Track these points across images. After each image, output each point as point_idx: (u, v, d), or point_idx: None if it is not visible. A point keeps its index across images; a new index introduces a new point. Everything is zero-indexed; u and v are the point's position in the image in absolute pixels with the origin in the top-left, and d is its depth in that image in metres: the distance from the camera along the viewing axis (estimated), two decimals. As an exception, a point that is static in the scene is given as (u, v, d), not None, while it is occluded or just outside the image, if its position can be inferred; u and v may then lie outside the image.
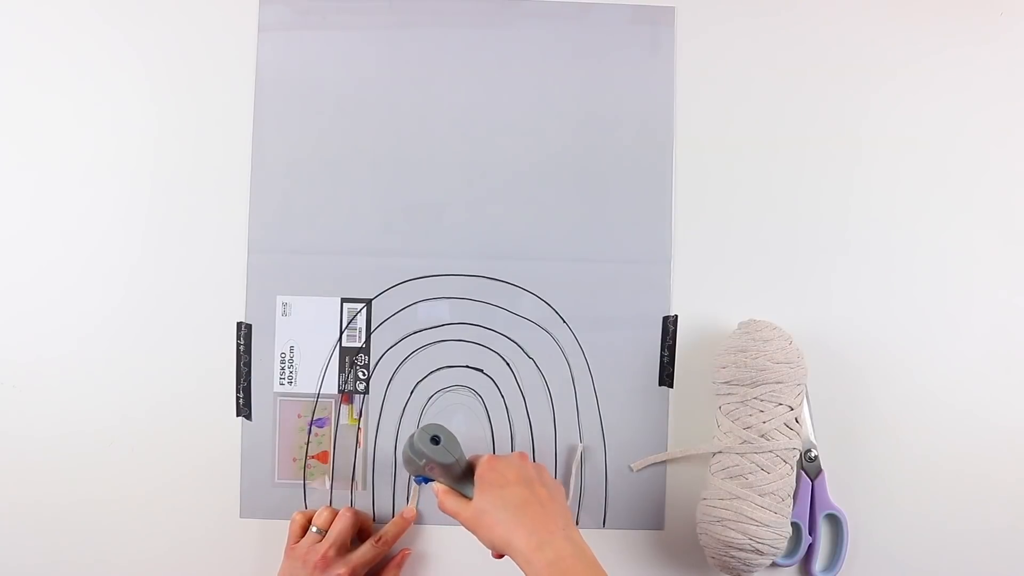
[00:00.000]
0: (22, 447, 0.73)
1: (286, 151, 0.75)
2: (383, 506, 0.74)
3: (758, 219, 0.75)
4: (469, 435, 0.74)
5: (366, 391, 0.75)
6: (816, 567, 0.73)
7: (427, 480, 0.67)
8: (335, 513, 0.71)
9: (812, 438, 0.73)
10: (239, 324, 0.74)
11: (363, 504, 0.74)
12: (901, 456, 0.74)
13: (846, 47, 0.76)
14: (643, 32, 0.75)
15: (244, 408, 0.74)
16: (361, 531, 0.73)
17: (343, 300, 0.75)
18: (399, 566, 0.72)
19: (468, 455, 0.67)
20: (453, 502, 0.64)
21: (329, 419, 0.75)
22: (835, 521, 0.74)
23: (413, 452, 0.64)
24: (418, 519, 0.74)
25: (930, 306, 0.75)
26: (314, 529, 0.70)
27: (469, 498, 0.64)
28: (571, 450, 0.74)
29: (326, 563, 0.68)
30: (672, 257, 0.75)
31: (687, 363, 0.75)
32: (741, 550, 0.67)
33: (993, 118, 0.75)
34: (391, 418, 0.75)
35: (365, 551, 0.70)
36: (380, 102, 0.75)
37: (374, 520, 0.74)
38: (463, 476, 0.66)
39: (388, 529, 0.72)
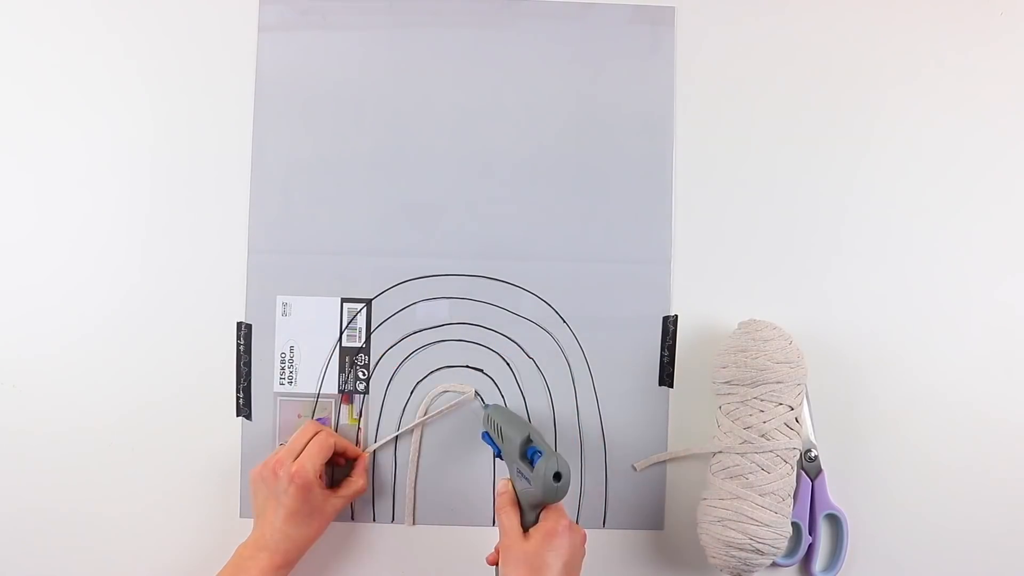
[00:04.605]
0: (22, 447, 0.73)
1: (286, 151, 0.75)
2: (383, 506, 0.74)
3: (758, 219, 0.75)
4: (469, 435, 0.74)
5: (366, 391, 0.75)
6: (816, 567, 0.73)
7: (497, 451, 0.69)
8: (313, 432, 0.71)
9: (812, 438, 0.73)
10: (239, 324, 0.74)
11: (362, 505, 0.74)
12: (901, 456, 0.74)
13: (845, 46, 0.76)
14: (643, 32, 0.75)
15: (244, 408, 0.74)
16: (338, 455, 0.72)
17: (343, 300, 0.75)
18: (365, 470, 0.73)
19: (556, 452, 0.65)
20: (509, 521, 0.64)
21: (329, 419, 0.75)
22: (835, 521, 0.74)
23: (504, 431, 0.67)
24: (418, 519, 0.74)
25: (930, 306, 0.75)
26: (279, 443, 0.72)
27: (525, 526, 0.64)
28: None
29: (279, 465, 0.67)
30: (672, 257, 0.75)
31: (687, 363, 0.75)
32: (741, 550, 0.67)
33: (993, 116, 0.75)
34: (391, 418, 0.74)
35: (310, 448, 0.69)
36: (380, 102, 0.75)
37: (374, 518, 0.74)
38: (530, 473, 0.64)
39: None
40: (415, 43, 0.75)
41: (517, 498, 0.65)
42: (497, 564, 0.64)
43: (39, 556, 0.73)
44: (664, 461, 0.74)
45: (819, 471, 0.73)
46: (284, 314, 0.74)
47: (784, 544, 0.69)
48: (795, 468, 0.70)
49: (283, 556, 0.67)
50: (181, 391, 0.74)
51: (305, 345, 0.74)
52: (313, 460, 0.68)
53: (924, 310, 0.75)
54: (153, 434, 0.74)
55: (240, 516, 0.74)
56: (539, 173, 0.75)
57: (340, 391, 0.75)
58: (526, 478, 0.63)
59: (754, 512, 0.67)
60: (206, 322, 0.74)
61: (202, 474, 0.74)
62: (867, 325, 0.75)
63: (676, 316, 0.75)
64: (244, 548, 0.67)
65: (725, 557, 0.68)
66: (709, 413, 0.72)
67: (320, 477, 0.69)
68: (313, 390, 0.74)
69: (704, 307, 0.75)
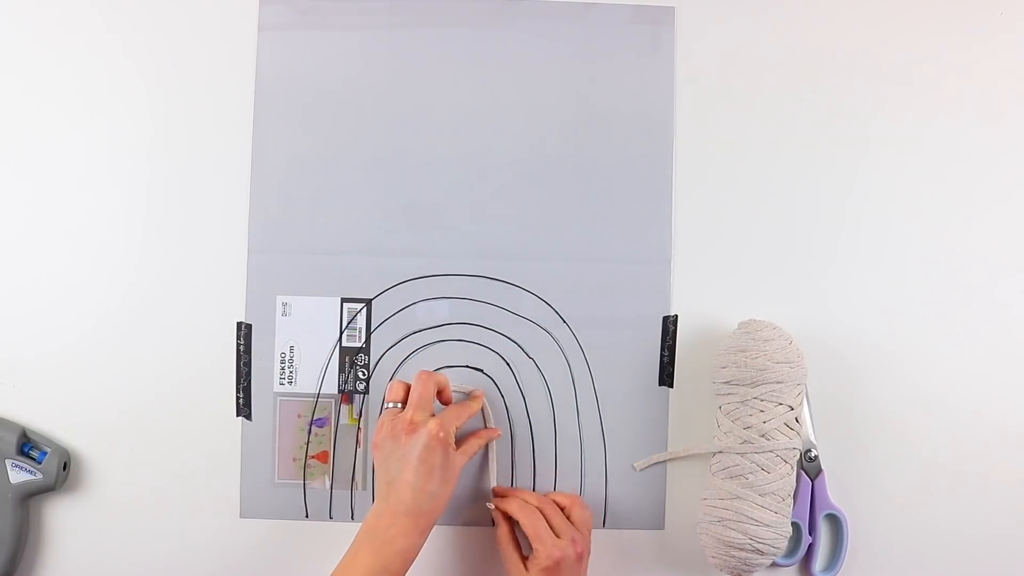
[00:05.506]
0: (22, 447, 0.73)
1: (286, 151, 0.75)
2: (383, 506, 0.74)
3: (758, 219, 0.75)
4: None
5: (366, 391, 0.75)
6: (816, 567, 0.73)
7: None
8: (406, 386, 0.69)
9: (812, 438, 0.73)
10: (239, 324, 0.74)
11: (363, 505, 0.74)
12: (901, 456, 0.74)
13: (845, 47, 0.76)
14: (643, 32, 0.75)
15: (244, 408, 0.74)
16: (441, 393, 0.70)
17: (343, 300, 0.75)
18: (486, 439, 0.71)
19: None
20: (511, 557, 0.66)
21: (329, 419, 0.75)
22: (835, 521, 0.74)
23: None
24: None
25: (930, 306, 0.75)
26: (388, 405, 0.69)
27: (525, 555, 0.66)
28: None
29: (414, 427, 0.65)
30: (672, 257, 0.75)
31: (687, 363, 0.75)
32: (741, 550, 0.67)
33: (992, 116, 0.75)
34: (391, 418, 0.74)
35: (453, 407, 0.68)
36: (380, 102, 0.75)
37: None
38: None
39: (474, 391, 0.72)
40: (415, 43, 0.75)
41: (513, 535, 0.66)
42: None
43: (39, 556, 0.73)
44: (664, 461, 0.74)
45: (819, 471, 0.73)
46: (284, 314, 0.74)
47: (784, 544, 0.69)
48: (795, 468, 0.70)
49: (427, 518, 0.64)
50: (181, 391, 0.74)
51: (305, 345, 0.74)
52: (453, 422, 0.67)
53: (924, 310, 0.75)
54: (153, 434, 0.74)
55: (240, 516, 0.74)
56: (539, 173, 0.75)
57: (340, 391, 0.75)
58: None
59: (754, 512, 0.67)
60: (206, 322, 0.74)
61: (202, 474, 0.74)
62: (867, 325, 0.75)
63: (676, 316, 0.75)
64: (377, 519, 0.63)
65: (725, 557, 0.68)
66: (709, 413, 0.72)
67: None
68: (313, 390, 0.74)
69: (704, 307, 0.75)
